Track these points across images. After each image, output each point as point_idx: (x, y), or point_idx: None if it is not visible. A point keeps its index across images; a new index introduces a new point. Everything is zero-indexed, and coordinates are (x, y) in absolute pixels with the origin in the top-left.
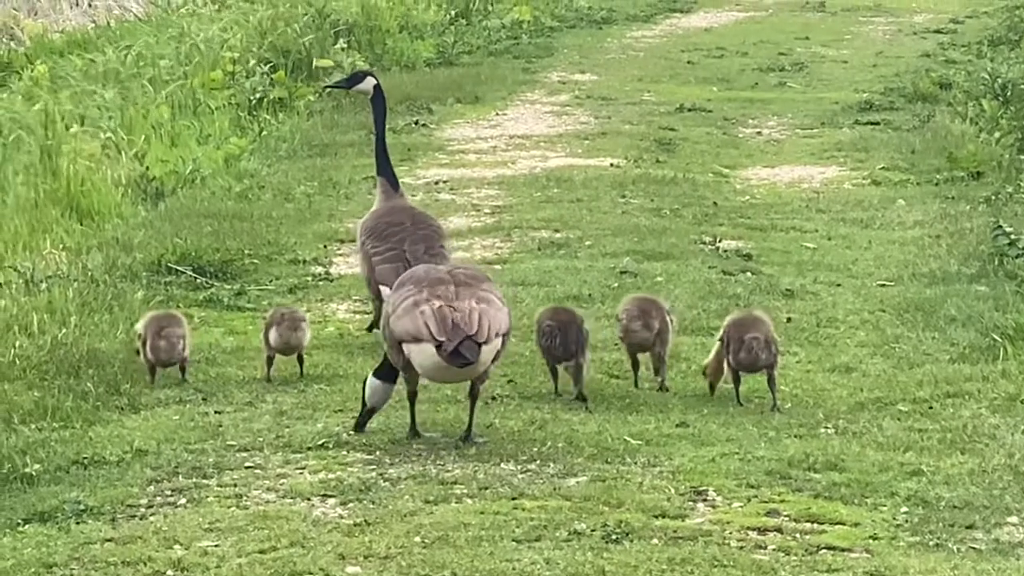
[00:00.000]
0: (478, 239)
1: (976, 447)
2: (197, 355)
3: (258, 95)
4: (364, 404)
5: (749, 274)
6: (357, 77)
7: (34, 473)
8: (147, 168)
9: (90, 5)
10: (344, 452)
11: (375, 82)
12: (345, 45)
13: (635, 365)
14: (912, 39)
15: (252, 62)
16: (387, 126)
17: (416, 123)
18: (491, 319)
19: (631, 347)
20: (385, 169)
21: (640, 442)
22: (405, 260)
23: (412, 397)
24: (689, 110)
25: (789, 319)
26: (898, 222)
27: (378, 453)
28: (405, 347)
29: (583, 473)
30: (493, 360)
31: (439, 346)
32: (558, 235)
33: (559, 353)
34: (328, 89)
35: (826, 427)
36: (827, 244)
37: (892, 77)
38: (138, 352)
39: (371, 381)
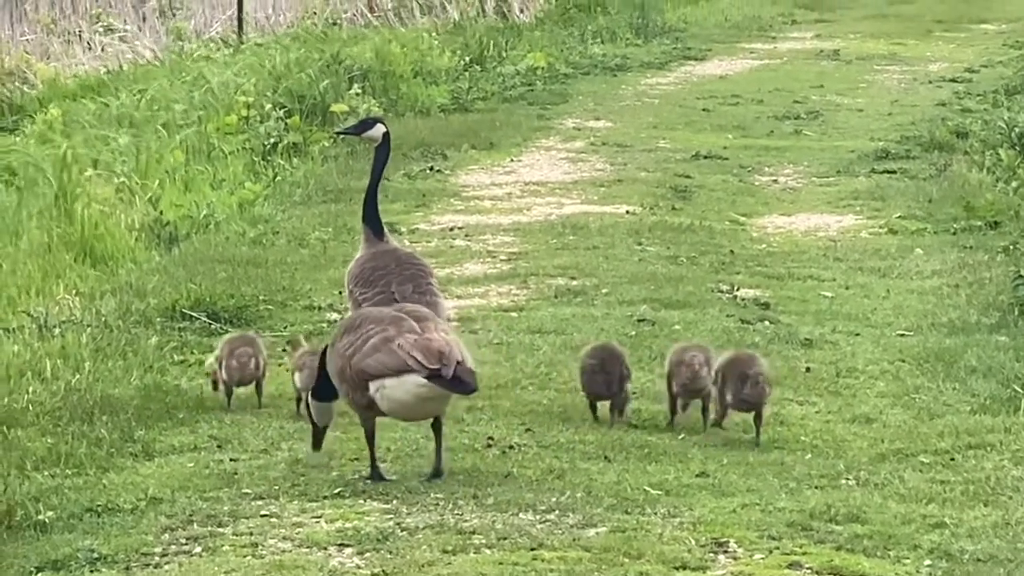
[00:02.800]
0: (494, 286)
1: (999, 499)
2: (211, 402)
3: (272, 140)
4: (314, 425)
5: (767, 323)
6: (367, 123)
7: (47, 520)
8: (161, 213)
9: (103, 50)
10: (361, 501)
11: (384, 130)
12: (360, 91)
13: (677, 409)
14: (927, 88)
15: (267, 107)
16: (403, 172)
17: (431, 169)
18: (463, 349)
19: (690, 394)
20: (371, 217)
21: (660, 492)
22: (394, 301)
23: (371, 437)
24: (705, 157)
25: (808, 369)
26: (916, 271)
27: (395, 502)
28: (377, 383)
29: (603, 523)
30: None
31: (432, 375)
32: (575, 282)
33: (602, 390)
34: (340, 135)
35: (847, 478)
36: (845, 293)
37: (908, 126)
38: (214, 384)
39: (312, 403)
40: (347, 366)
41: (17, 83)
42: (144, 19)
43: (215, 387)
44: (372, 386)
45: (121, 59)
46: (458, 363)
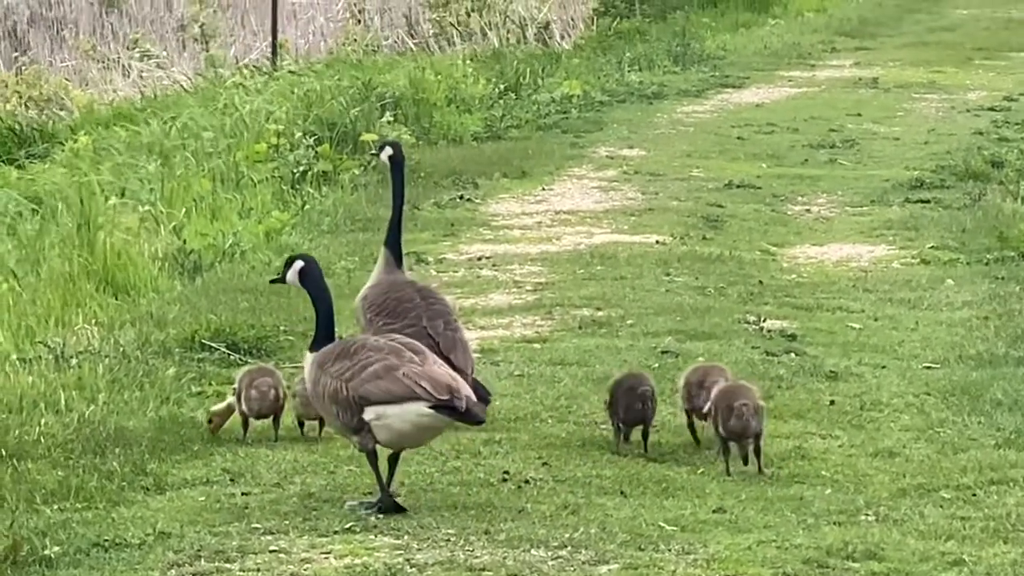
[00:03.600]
0: (519, 317)
1: (1020, 536)
2: (227, 434)
3: (302, 168)
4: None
5: (793, 355)
6: (382, 147)
7: (53, 556)
8: (184, 242)
9: (140, 76)
10: (371, 536)
11: (391, 152)
12: (392, 118)
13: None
14: (965, 116)
15: (297, 135)
16: (433, 201)
17: (461, 198)
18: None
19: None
20: (394, 242)
21: (675, 528)
22: (427, 336)
23: (374, 458)
24: (738, 186)
25: (832, 402)
26: (946, 303)
27: (406, 538)
28: (376, 409)
29: (615, 560)
30: None
31: (440, 406)
32: (600, 313)
33: (650, 416)
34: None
35: (866, 514)
36: (873, 325)
37: (944, 155)
38: (214, 430)
39: (308, 356)
40: (343, 388)
41: (55, 109)
42: (184, 46)
43: (214, 431)
44: (370, 412)
45: (156, 86)
46: (467, 397)
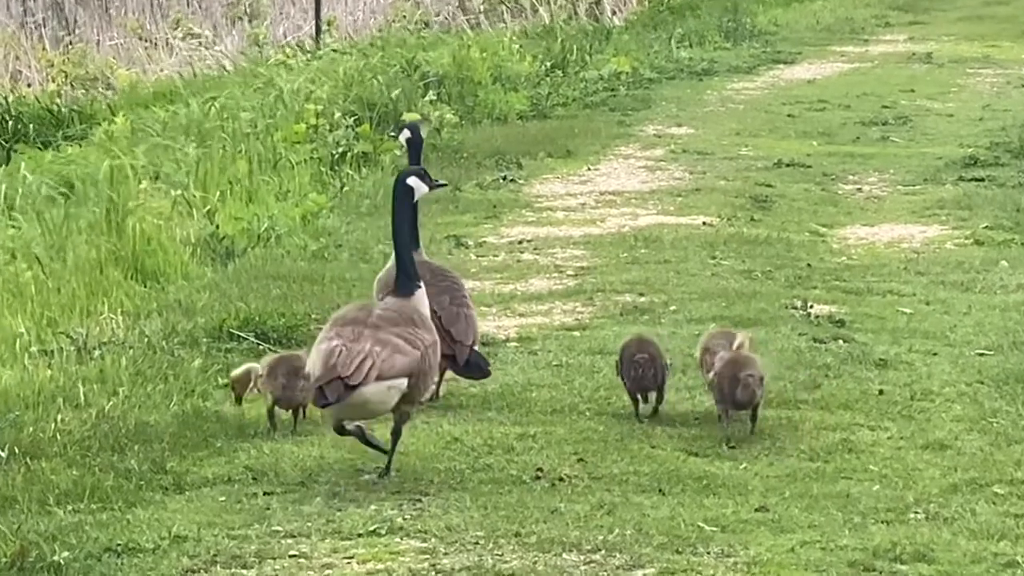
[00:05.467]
0: (559, 303)
1: None
2: (252, 429)
3: (341, 149)
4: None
5: (841, 342)
6: (401, 128)
7: (63, 562)
8: (217, 227)
9: (184, 55)
10: (396, 539)
11: (408, 134)
12: (435, 97)
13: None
14: (1020, 91)
15: (337, 115)
16: (475, 182)
17: (504, 178)
18: (380, 362)
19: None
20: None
21: (715, 529)
22: (432, 311)
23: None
24: (787, 165)
25: (881, 391)
26: (1000, 285)
27: (433, 541)
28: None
29: (651, 564)
30: (404, 401)
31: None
32: (642, 299)
33: (648, 384)
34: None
35: (916, 512)
36: (925, 309)
37: (998, 131)
38: (238, 398)
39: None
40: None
41: (101, 87)
42: (233, 23)
43: (239, 400)
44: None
45: (200, 65)
46: (339, 378)
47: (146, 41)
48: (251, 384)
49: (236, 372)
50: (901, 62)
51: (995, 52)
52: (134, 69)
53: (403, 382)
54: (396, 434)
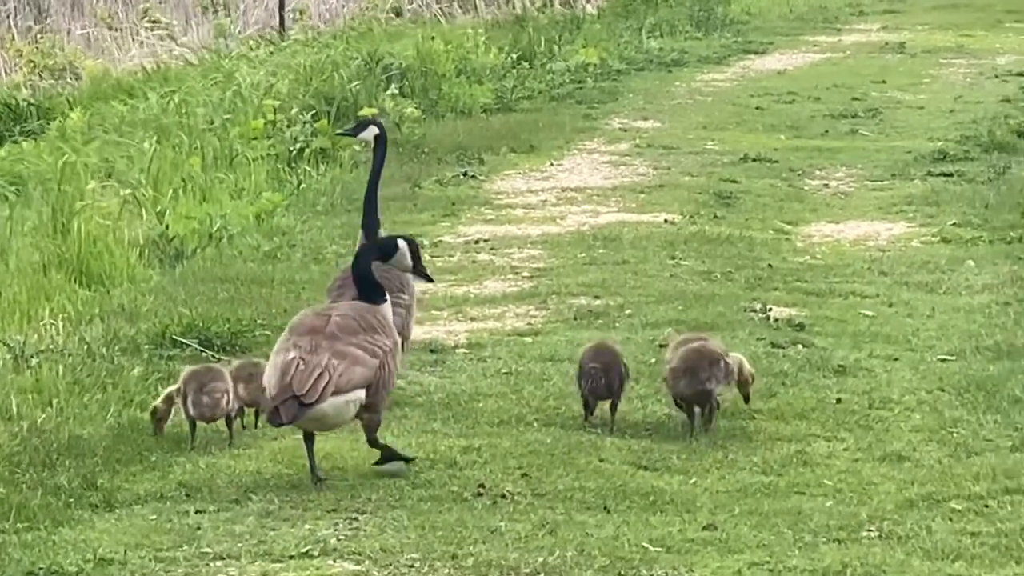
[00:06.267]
0: (512, 306)
1: None
2: (185, 446)
3: (299, 145)
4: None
5: (800, 347)
6: (362, 125)
7: None
8: (167, 227)
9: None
10: (329, 561)
11: (376, 131)
12: (397, 91)
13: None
14: (993, 83)
15: (295, 110)
16: (435, 178)
17: (464, 174)
18: (337, 377)
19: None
20: (369, 221)
21: (660, 549)
22: None
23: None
24: (753, 160)
25: (839, 400)
26: (965, 286)
27: (366, 563)
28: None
29: None
30: (366, 409)
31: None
32: (597, 302)
33: (603, 393)
34: (339, 135)
35: (869, 530)
36: (887, 311)
37: (969, 124)
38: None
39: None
40: None
41: (70, 78)
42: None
43: (158, 429)
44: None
45: (167, 57)
46: (294, 396)
47: (116, 31)
48: (172, 412)
49: (158, 401)
50: (874, 52)
51: (969, 41)
52: (101, 60)
53: (361, 394)
54: (375, 444)
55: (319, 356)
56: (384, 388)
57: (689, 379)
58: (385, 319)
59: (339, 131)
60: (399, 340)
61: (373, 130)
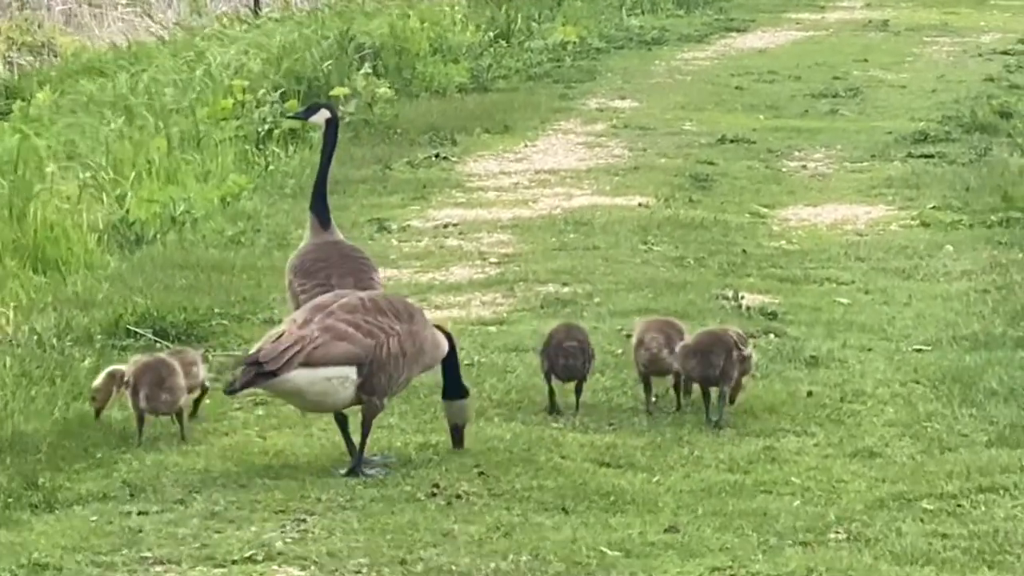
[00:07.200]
0: (478, 294)
1: (1006, 560)
2: (133, 442)
3: (268, 126)
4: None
5: (772, 336)
6: (312, 108)
7: None
8: (127, 211)
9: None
10: (274, 566)
11: (328, 115)
12: (370, 70)
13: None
14: (976, 61)
15: (263, 90)
16: (406, 160)
17: (436, 156)
18: (311, 348)
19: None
20: (318, 205)
21: (619, 553)
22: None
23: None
24: (731, 141)
25: (810, 393)
26: (943, 272)
27: (312, 568)
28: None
29: None
30: (364, 391)
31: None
32: (566, 289)
33: (577, 373)
34: (289, 119)
35: (837, 531)
36: (863, 299)
37: (951, 104)
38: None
39: (445, 403)
40: None
41: (47, 54)
42: None
43: (98, 414)
44: None
45: (144, 34)
46: (256, 362)
47: (95, 7)
48: (114, 393)
49: (97, 381)
50: (857, 30)
51: (953, 19)
52: (79, 37)
53: (348, 371)
54: (364, 426)
55: (305, 329)
56: (382, 370)
57: (701, 360)
58: (417, 311)
59: (289, 115)
60: (425, 334)
61: (324, 113)
